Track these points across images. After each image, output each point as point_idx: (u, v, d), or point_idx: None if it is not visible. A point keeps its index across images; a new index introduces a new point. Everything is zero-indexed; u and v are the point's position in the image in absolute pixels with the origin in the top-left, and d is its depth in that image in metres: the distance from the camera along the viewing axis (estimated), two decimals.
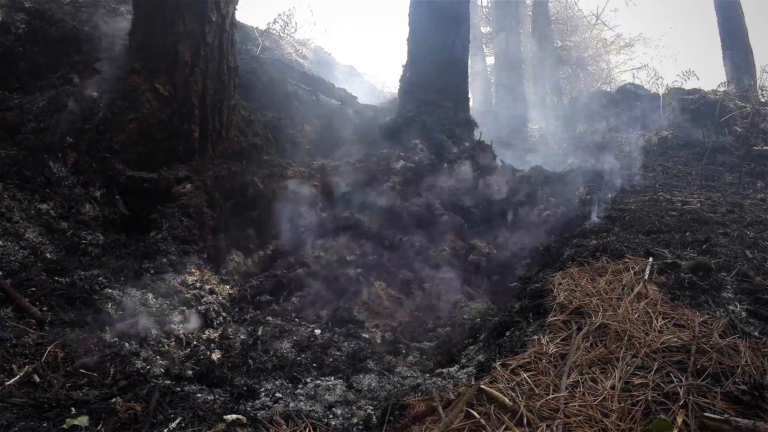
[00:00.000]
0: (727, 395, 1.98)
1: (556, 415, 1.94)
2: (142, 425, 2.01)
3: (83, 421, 1.97)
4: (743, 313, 2.68)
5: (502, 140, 11.04)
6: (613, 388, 2.06)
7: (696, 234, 3.92)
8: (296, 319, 3.92)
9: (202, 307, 3.55)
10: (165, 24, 4.83)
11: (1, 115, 4.28)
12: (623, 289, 2.88)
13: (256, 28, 11.52)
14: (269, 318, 3.81)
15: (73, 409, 2.06)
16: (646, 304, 2.69)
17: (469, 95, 9.77)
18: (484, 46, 22.41)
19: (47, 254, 3.44)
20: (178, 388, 2.43)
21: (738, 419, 1.79)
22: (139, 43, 4.95)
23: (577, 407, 1.97)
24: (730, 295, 2.89)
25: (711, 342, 2.30)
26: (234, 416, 2.18)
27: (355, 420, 2.30)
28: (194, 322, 3.37)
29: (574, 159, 8.86)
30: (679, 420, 1.84)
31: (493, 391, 2.05)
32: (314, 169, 6.11)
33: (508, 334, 2.85)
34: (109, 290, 3.20)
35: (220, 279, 4.03)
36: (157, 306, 3.29)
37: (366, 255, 5.06)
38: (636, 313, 2.60)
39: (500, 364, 2.32)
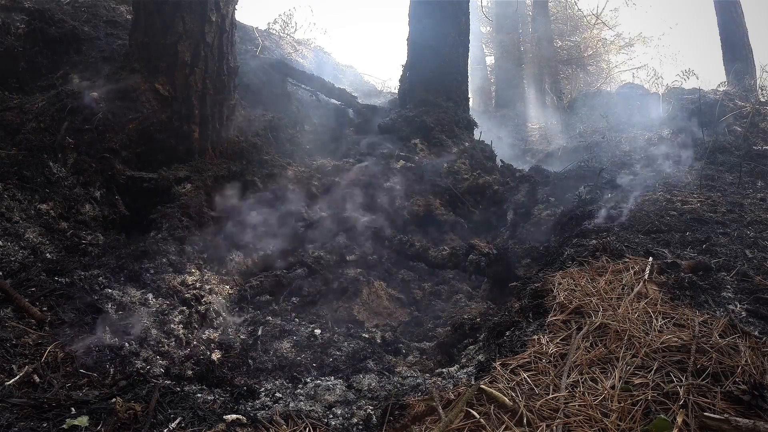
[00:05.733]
0: (727, 395, 1.98)
1: (556, 414, 1.94)
2: (142, 425, 2.01)
3: (83, 421, 1.97)
4: (743, 313, 2.68)
5: (502, 140, 11.06)
6: (613, 388, 2.06)
7: (696, 234, 3.92)
8: (296, 319, 3.92)
9: (202, 307, 3.54)
10: (165, 24, 4.83)
11: (1, 115, 4.28)
12: (623, 288, 2.88)
13: (256, 28, 11.52)
14: (269, 318, 3.81)
15: (73, 409, 2.06)
16: (646, 303, 2.69)
17: (469, 95, 9.78)
18: (484, 46, 22.41)
19: (47, 254, 3.43)
20: (178, 388, 2.42)
21: (738, 419, 1.79)
22: (139, 43, 4.95)
23: (577, 407, 1.97)
24: (730, 294, 2.89)
25: (711, 342, 2.30)
26: (234, 416, 2.18)
27: (355, 420, 2.30)
28: (194, 322, 3.37)
29: (573, 159, 8.86)
30: (679, 420, 1.84)
31: (493, 391, 2.05)
32: (314, 169, 6.11)
33: (508, 333, 2.85)
34: (109, 290, 3.20)
35: (220, 279, 4.03)
36: (157, 306, 3.29)
37: (366, 255, 5.06)
38: (636, 312, 2.60)
39: (500, 364, 2.32)
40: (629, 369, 2.17)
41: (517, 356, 2.39)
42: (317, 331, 3.65)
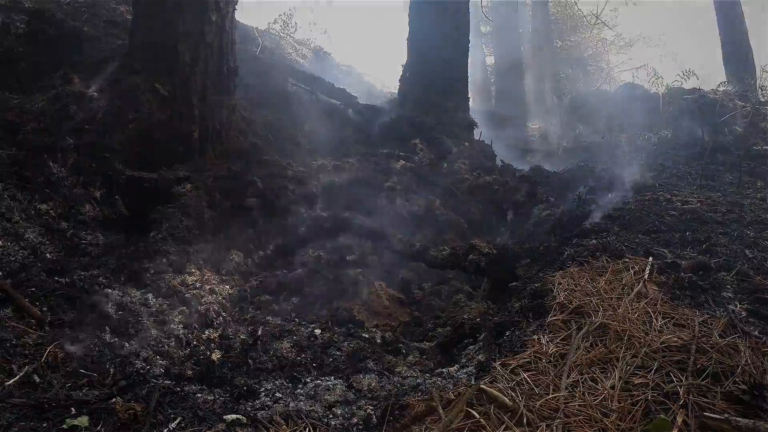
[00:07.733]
0: (727, 395, 1.98)
1: (556, 414, 1.94)
2: (142, 425, 2.01)
3: (83, 421, 1.97)
4: (743, 313, 2.68)
5: (501, 140, 11.05)
6: (613, 387, 2.06)
7: (696, 234, 3.92)
8: (296, 319, 3.92)
9: (202, 307, 3.54)
10: (165, 24, 4.82)
11: (1, 115, 4.28)
12: (623, 288, 2.88)
13: (256, 28, 11.53)
14: (269, 318, 3.81)
15: (73, 409, 2.06)
16: (646, 303, 2.69)
17: (469, 95, 9.77)
18: (484, 46, 22.41)
19: (47, 254, 3.43)
20: (178, 388, 2.42)
21: (738, 419, 1.79)
22: (138, 43, 4.95)
23: (577, 407, 1.97)
24: (730, 294, 2.89)
25: (711, 342, 2.30)
26: (234, 416, 2.18)
27: (355, 420, 2.30)
28: (194, 322, 3.37)
29: (573, 159, 8.86)
30: (679, 420, 1.84)
31: (493, 391, 2.05)
32: (314, 169, 6.11)
33: (507, 333, 2.85)
34: (109, 290, 3.20)
35: (220, 279, 4.03)
36: (157, 306, 3.29)
37: (366, 255, 5.06)
38: (636, 312, 2.60)
39: (500, 364, 2.32)
40: (629, 369, 2.17)
41: (517, 356, 2.39)
42: (317, 331, 3.65)
